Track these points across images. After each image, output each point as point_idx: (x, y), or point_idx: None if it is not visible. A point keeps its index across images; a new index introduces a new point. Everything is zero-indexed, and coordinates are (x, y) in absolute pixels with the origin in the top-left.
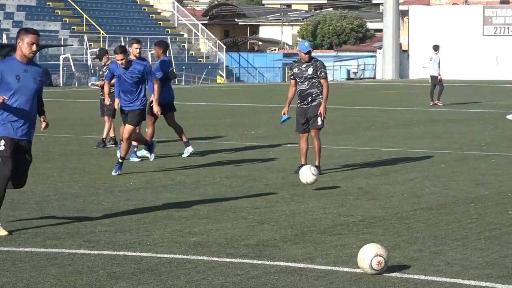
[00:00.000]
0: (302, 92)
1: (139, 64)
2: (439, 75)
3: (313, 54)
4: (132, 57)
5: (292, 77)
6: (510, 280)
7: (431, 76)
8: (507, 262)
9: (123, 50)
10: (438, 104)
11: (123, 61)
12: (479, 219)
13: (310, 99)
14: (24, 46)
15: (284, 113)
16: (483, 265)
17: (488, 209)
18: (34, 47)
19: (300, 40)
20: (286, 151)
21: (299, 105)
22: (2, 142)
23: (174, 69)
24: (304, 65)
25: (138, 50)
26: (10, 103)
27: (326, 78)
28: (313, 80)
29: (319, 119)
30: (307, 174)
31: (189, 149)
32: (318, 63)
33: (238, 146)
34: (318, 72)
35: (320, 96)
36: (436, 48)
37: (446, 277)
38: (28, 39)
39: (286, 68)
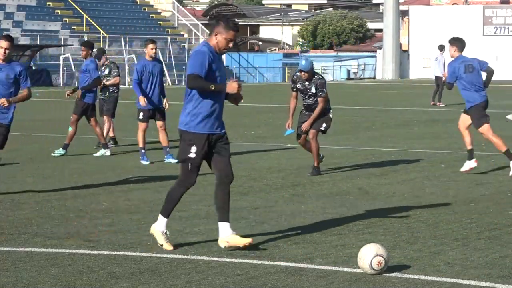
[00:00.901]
0: (309, 106)
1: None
2: (444, 76)
3: (311, 53)
4: (147, 57)
5: (294, 89)
6: (510, 280)
7: (436, 76)
8: (507, 262)
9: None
10: (440, 105)
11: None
12: (479, 219)
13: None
14: None
15: (288, 126)
16: (483, 265)
17: (488, 209)
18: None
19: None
20: (286, 151)
21: (303, 112)
22: None
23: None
24: (307, 83)
25: (154, 50)
26: None
27: (323, 97)
28: (317, 96)
29: (324, 124)
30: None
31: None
32: (318, 82)
33: (238, 146)
34: (318, 92)
35: (327, 108)
36: (441, 48)
37: (446, 277)
38: None
39: (286, 68)
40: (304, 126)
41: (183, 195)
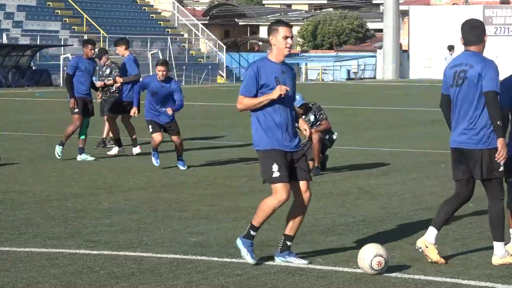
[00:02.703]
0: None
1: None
2: None
3: (311, 53)
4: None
5: None
6: (510, 280)
7: None
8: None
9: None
10: None
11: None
12: (479, 219)
13: None
14: None
15: None
16: (483, 265)
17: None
18: None
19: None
20: None
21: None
22: None
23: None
24: (303, 116)
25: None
26: None
27: (326, 119)
28: (317, 124)
29: (328, 136)
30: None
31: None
32: (314, 107)
33: (238, 146)
34: (318, 116)
35: (330, 127)
36: (450, 48)
37: (446, 277)
38: None
39: None
40: (305, 135)
41: None
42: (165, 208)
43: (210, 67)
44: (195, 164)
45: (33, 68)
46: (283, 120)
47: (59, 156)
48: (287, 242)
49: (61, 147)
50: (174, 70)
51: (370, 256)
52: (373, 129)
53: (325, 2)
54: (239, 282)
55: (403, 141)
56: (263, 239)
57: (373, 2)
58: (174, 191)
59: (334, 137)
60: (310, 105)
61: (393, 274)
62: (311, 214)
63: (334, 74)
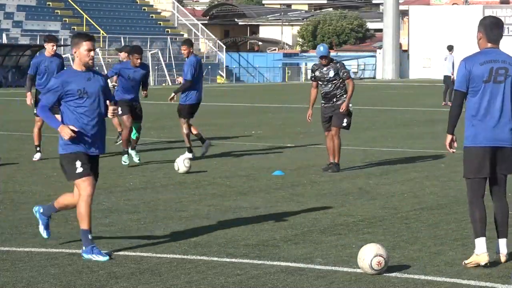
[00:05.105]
0: (327, 94)
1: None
2: (452, 75)
3: (311, 53)
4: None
5: (313, 79)
6: (510, 280)
7: (444, 76)
8: (507, 262)
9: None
10: (449, 105)
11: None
12: None
13: (335, 99)
14: None
15: (309, 116)
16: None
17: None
18: None
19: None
20: (286, 151)
21: (323, 105)
22: None
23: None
24: (324, 68)
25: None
26: None
27: (350, 77)
28: (336, 81)
29: (345, 120)
30: (180, 164)
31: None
32: (338, 64)
33: (238, 146)
34: (341, 74)
35: (345, 96)
36: (450, 48)
37: (446, 277)
38: None
39: (286, 68)
40: (344, 106)
41: None
42: (165, 208)
43: (210, 67)
44: (195, 164)
45: None
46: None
47: (125, 163)
48: None
49: (126, 155)
50: (174, 70)
51: (370, 256)
52: (373, 129)
53: (325, 2)
54: (239, 282)
55: (403, 141)
56: (263, 239)
57: (373, 2)
58: (174, 191)
59: (351, 109)
60: (334, 60)
61: (393, 274)
62: (311, 214)
63: None
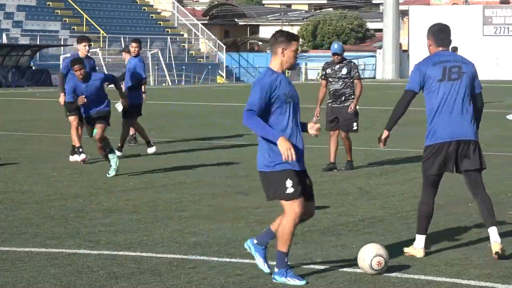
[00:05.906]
0: (336, 91)
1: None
2: None
3: (311, 53)
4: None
5: (324, 77)
6: (510, 280)
7: None
8: (507, 262)
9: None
10: None
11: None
12: (479, 219)
13: (343, 98)
14: None
15: (317, 114)
16: (483, 265)
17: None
18: None
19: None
20: None
21: (330, 104)
22: None
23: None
24: (337, 66)
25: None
26: None
27: (359, 78)
28: (347, 80)
29: (355, 124)
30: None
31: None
32: (352, 64)
33: (238, 146)
34: (353, 73)
35: (353, 96)
36: (455, 50)
37: (446, 277)
38: None
39: None
40: (352, 106)
41: None
42: (165, 208)
43: (210, 67)
44: (195, 164)
45: (33, 68)
46: None
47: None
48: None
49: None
50: (174, 70)
51: (370, 256)
52: (373, 129)
53: (325, 2)
54: (239, 282)
55: (403, 141)
56: None
57: (373, 2)
58: (174, 191)
59: (358, 109)
60: (348, 59)
61: (393, 274)
62: None
63: None
